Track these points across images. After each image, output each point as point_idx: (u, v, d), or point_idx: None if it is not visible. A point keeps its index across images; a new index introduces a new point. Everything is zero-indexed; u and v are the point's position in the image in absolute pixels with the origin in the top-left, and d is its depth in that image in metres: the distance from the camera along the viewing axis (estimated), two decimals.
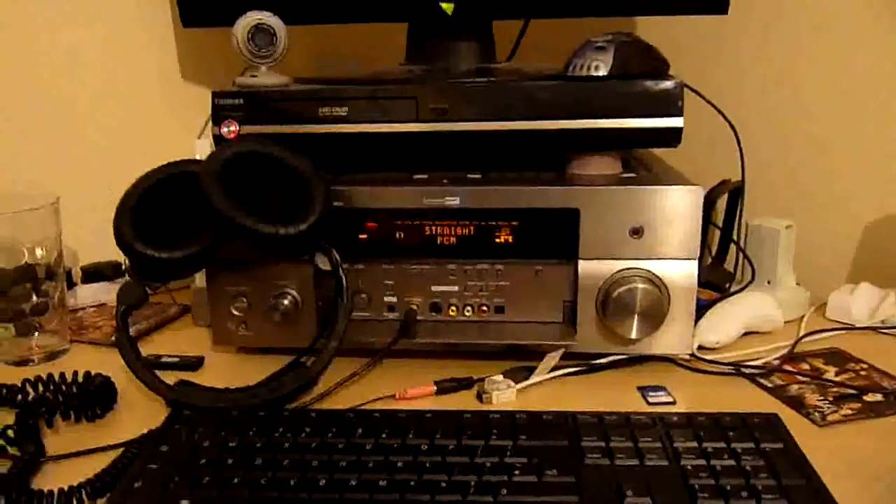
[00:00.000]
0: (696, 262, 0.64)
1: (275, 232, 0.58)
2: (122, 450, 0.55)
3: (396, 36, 0.83)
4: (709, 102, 0.76)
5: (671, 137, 0.66)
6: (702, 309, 0.73)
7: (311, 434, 0.53)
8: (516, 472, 0.49)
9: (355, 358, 0.67)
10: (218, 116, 0.69)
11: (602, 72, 0.66)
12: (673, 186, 0.63)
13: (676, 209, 0.63)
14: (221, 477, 0.49)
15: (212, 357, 0.72)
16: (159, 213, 0.63)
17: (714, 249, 0.89)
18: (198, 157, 0.73)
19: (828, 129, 0.87)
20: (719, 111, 0.76)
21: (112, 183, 0.66)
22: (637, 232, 0.64)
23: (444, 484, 0.48)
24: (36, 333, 0.73)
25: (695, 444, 0.52)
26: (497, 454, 0.51)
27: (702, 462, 0.50)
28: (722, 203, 0.86)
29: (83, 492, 0.49)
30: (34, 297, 0.72)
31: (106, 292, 0.86)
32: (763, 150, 0.89)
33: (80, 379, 0.64)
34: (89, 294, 0.86)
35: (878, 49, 0.82)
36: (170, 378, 0.63)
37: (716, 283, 0.83)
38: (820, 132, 0.88)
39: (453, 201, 0.65)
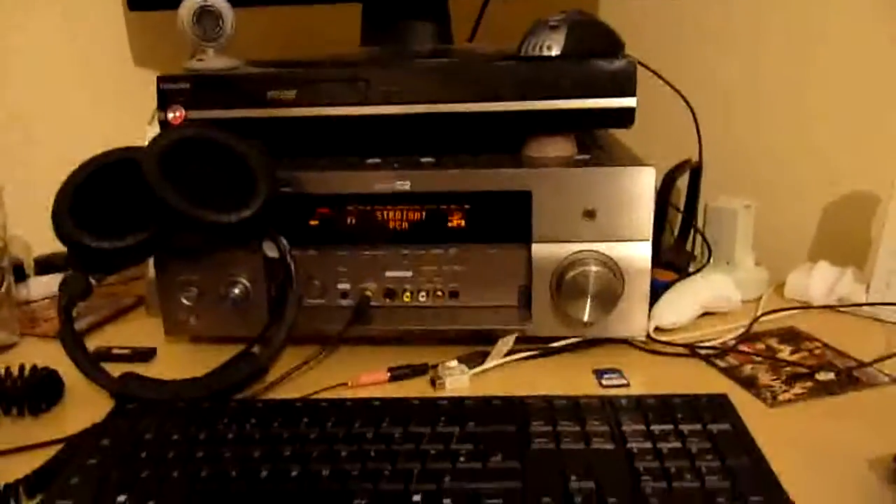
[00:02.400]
0: (650, 244, 0.64)
1: (217, 220, 0.57)
2: (64, 444, 0.54)
3: (355, 17, 0.81)
4: (665, 82, 0.76)
5: (625, 118, 0.65)
6: (661, 290, 0.73)
7: (255, 425, 0.53)
8: (461, 458, 0.49)
9: (309, 346, 0.66)
10: (164, 101, 0.67)
11: (555, 52, 0.65)
12: (625, 167, 0.63)
13: (629, 190, 0.63)
14: (161, 470, 0.48)
15: (164, 348, 0.71)
16: (102, 201, 0.61)
17: (676, 230, 0.89)
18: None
19: (787, 108, 0.87)
20: (676, 90, 0.76)
21: (64, 171, 0.64)
22: (590, 214, 0.63)
23: (387, 472, 0.47)
24: None
25: (642, 426, 0.51)
26: (443, 441, 0.50)
27: (648, 445, 0.50)
28: (683, 183, 0.86)
29: (19, 489, 0.48)
30: None
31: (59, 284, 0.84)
32: (723, 130, 0.89)
33: (26, 373, 0.63)
34: (42, 286, 0.84)
35: (839, 30, 0.82)
36: (121, 370, 0.62)
37: (677, 263, 0.83)
38: (779, 112, 0.87)
39: (404, 185, 0.64)
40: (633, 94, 0.65)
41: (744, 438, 0.51)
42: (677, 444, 0.50)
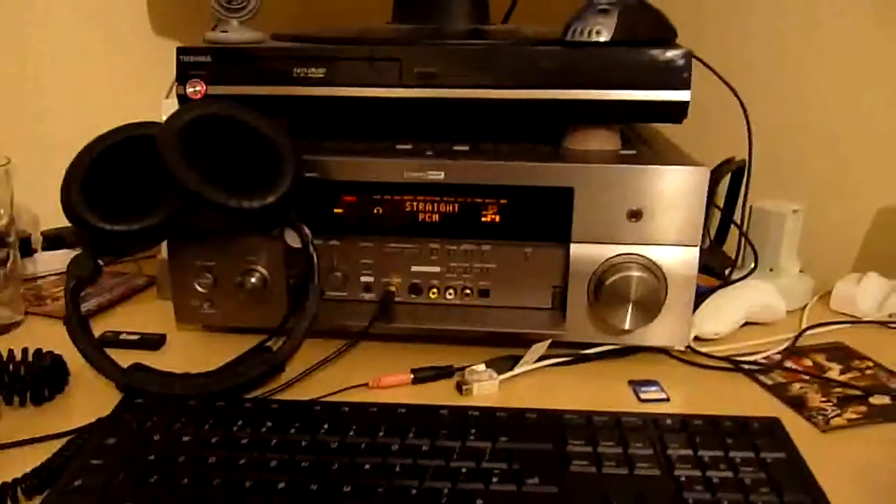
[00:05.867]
0: (697, 250, 0.60)
1: (238, 205, 0.53)
2: (67, 439, 0.50)
3: None
4: (717, 75, 0.70)
5: (676, 112, 0.61)
6: (700, 296, 0.69)
7: (272, 429, 0.49)
8: (494, 478, 0.45)
9: (328, 340, 0.63)
10: (183, 75, 0.63)
11: (604, 37, 0.60)
12: (676, 167, 0.58)
13: (679, 191, 0.58)
14: (170, 476, 0.45)
15: (175, 335, 0.67)
16: (115, 179, 0.57)
17: (713, 231, 0.85)
18: (164, 119, 0.67)
19: (843, 110, 0.82)
20: (728, 85, 0.71)
21: (76, 144, 0.60)
22: (635, 215, 0.59)
23: (414, 491, 0.44)
24: None
25: (690, 451, 0.48)
26: (474, 458, 0.47)
27: (697, 473, 0.46)
28: (725, 183, 0.81)
29: (18, 489, 0.45)
30: None
31: (68, 260, 0.80)
32: (771, 129, 0.84)
33: (30, 357, 0.60)
34: (50, 262, 0.81)
35: None
36: (129, 357, 0.59)
37: (714, 267, 0.78)
38: (834, 113, 0.82)
39: (437, 176, 0.60)
40: (687, 88, 0.60)
41: (800, 470, 0.47)
42: (729, 474, 0.46)
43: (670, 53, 0.60)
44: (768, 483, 0.45)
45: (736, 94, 0.72)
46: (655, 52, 0.60)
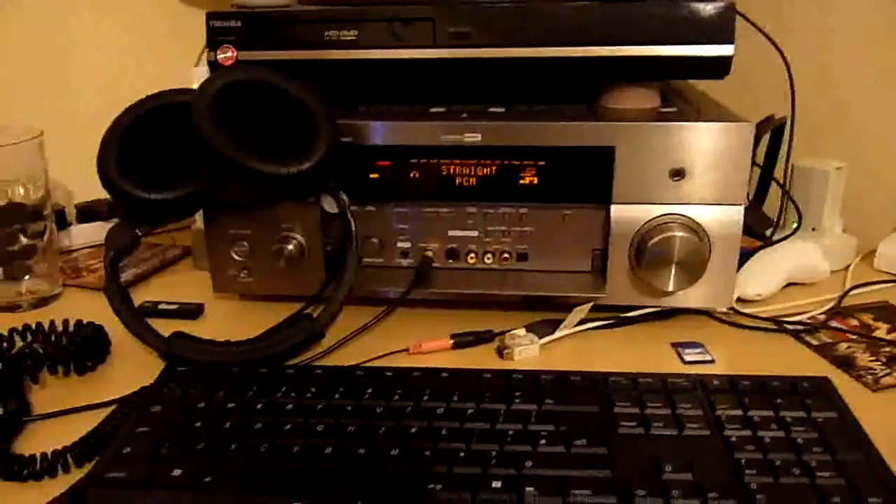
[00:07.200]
0: (741, 209, 0.58)
1: (275, 171, 0.53)
2: (113, 408, 0.51)
3: None
4: (759, 29, 0.68)
5: (719, 67, 0.59)
6: (742, 257, 0.67)
7: (315, 395, 0.49)
8: (542, 441, 0.44)
9: (366, 307, 0.62)
10: (213, 41, 0.62)
11: None
12: (721, 123, 0.57)
13: (723, 149, 0.57)
14: (217, 443, 0.45)
15: (213, 304, 0.67)
16: (150, 148, 0.57)
17: (752, 191, 0.83)
18: (194, 87, 0.66)
19: (886, 66, 0.79)
20: (770, 39, 0.68)
21: (107, 116, 0.60)
22: (678, 174, 0.58)
23: (462, 454, 0.44)
24: (26, 277, 0.68)
25: (739, 411, 0.47)
26: (521, 420, 0.46)
27: (748, 433, 0.45)
28: (764, 141, 0.79)
29: (69, 457, 0.45)
30: (22, 239, 0.67)
31: (102, 232, 0.79)
32: (812, 85, 0.81)
33: (71, 328, 0.60)
34: (84, 234, 0.81)
35: None
36: (168, 326, 0.59)
37: (753, 227, 0.77)
38: (877, 70, 0.79)
39: (474, 138, 0.59)
40: (730, 42, 0.58)
41: (853, 429, 0.46)
42: (780, 434, 0.45)
43: (711, 6, 0.58)
44: (821, 442, 0.44)
45: (778, 49, 0.70)
46: (697, 6, 0.58)
